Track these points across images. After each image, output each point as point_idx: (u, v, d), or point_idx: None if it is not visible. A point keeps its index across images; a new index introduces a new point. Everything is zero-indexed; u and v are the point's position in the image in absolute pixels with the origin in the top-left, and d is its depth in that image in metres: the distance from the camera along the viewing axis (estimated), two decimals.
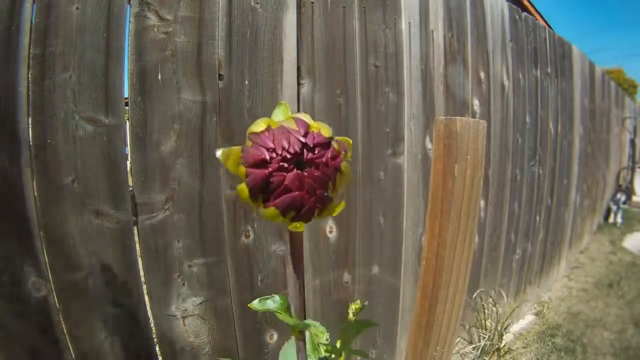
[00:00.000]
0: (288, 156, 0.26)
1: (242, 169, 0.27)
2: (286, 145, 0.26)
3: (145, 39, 0.68)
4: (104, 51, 0.64)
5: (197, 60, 0.74)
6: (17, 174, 0.57)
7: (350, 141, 0.30)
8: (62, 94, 0.61)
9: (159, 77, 0.70)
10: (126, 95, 0.67)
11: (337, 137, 0.29)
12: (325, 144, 0.27)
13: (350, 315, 0.44)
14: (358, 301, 0.45)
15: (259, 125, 0.27)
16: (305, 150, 0.27)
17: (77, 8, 0.61)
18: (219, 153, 0.27)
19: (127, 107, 0.68)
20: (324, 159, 0.27)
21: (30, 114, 0.58)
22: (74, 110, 0.62)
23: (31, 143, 0.58)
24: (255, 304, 0.35)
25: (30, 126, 0.58)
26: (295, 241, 0.34)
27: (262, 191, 0.26)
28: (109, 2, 0.64)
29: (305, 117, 0.28)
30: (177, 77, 0.71)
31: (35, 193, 0.59)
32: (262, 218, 0.27)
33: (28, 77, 0.58)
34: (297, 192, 0.26)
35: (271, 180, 0.26)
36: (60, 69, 0.60)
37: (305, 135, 0.27)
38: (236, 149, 0.27)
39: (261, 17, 0.82)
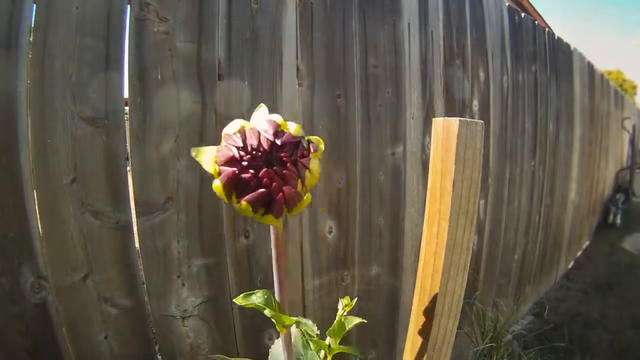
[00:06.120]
0: (258, 154, 0.28)
1: (217, 167, 0.28)
2: (255, 144, 0.28)
3: (145, 39, 0.68)
4: (103, 51, 0.64)
5: (197, 60, 0.74)
6: (16, 173, 0.57)
7: (322, 140, 0.31)
8: (62, 94, 0.61)
9: (159, 77, 0.70)
10: (126, 96, 0.67)
11: (308, 137, 0.30)
12: (295, 143, 0.29)
13: (340, 311, 0.44)
14: (347, 297, 0.46)
15: (233, 127, 0.29)
16: (274, 149, 0.28)
17: (77, 8, 0.61)
18: (193, 153, 0.29)
19: (127, 107, 0.68)
20: (292, 157, 0.28)
21: (30, 114, 0.58)
22: (73, 110, 0.62)
23: (31, 143, 0.58)
24: (240, 298, 0.37)
25: (30, 126, 0.58)
26: (275, 236, 0.36)
27: (234, 188, 0.28)
28: (108, 2, 0.64)
29: (277, 118, 0.30)
30: (177, 77, 0.72)
31: (35, 193, 0.59)
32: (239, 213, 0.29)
33: (28, 77, 0.58)
34: (264, 189, 0.28)
35: (241, 177, 0.28)
36: (60, 69, 0.61)
37: (275, 135, 0.28)
38: (207, 148, 0.29)
39: (261, 17, 0.82)
